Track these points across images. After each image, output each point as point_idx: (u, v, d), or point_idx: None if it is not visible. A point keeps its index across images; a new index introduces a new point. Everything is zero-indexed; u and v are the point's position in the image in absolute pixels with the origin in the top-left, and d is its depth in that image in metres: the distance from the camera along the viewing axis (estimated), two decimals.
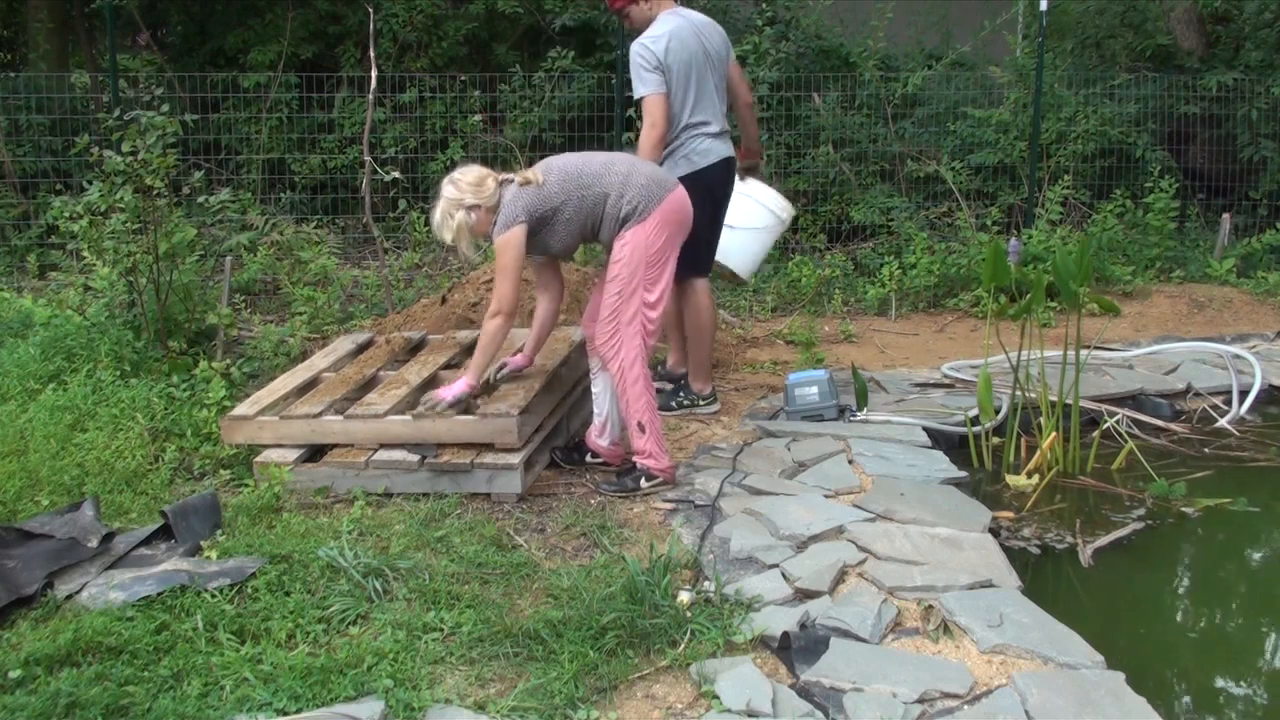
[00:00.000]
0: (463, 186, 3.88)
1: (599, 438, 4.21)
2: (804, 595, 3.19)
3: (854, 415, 4.77)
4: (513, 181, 3.93)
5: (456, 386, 4.04)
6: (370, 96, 6.72)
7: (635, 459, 4.05)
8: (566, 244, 4.02)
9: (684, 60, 4.55)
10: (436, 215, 3.93)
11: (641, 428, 3.98)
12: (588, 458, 4.26)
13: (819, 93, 8.21)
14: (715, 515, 3.80)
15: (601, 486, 4.05)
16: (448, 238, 3.91)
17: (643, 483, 4.01)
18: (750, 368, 5.69)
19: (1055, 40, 9.01)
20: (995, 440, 4.58)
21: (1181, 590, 3.78)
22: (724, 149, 4.73)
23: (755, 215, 5.25)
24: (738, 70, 4.96)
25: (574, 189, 3.91)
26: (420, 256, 7.29)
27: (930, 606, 3.11)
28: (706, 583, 3.27)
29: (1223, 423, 4.97)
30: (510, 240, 3.85)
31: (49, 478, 3.95)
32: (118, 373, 4.81)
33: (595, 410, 4.20)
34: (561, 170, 3.96)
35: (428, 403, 4.05)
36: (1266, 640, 3.41)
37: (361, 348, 5.02)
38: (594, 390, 4.20)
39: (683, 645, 2.94)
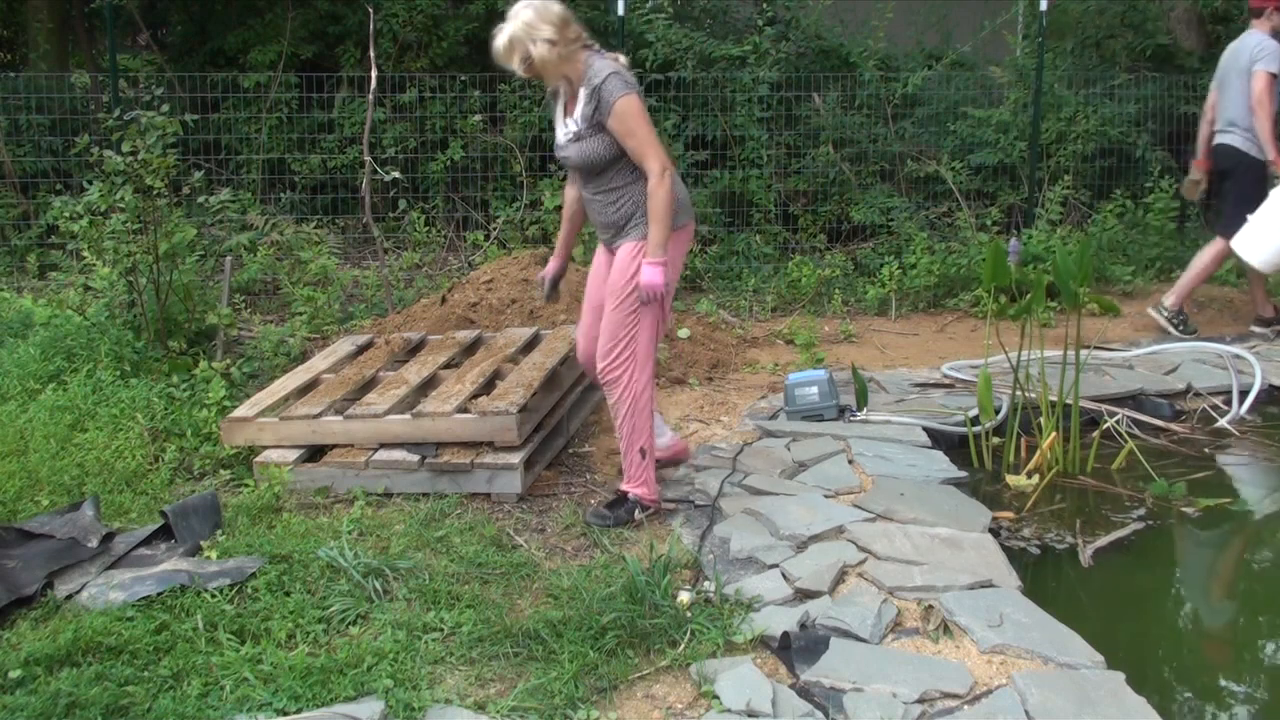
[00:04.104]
0: (548, 16, 3.52)
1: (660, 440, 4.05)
2: (804, 595, 3.19)
3: (854, 415, 4.78)
4: (597, 51, 3.64)
5: (653, 273, 3.57)
6: (370, 96, 6.72)
7: (627, 487, 3.81)
8: (602, 152, 3.61)
9: (1218, 68, 6.48)
10: (502, 40, 3.56)
11: (643, 453, 3.76)
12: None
13: (819, 93, 8.20)
14: (715, 515, 3.80)
15: (588, 518, 3.77)
16: (518, 68, 3.57)
17: (636, 514, 3.77)
18: (750, 368, 5.69)
19: (1055, 40, 9.00)
20: (995, 440, 4.58)
21: (1181, 590, 3.78)
22: (1220, 139, 6.38)
23: (1269, 217, 5.89)
24: (1258, 81, 6.12)
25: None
26: (420, 256, 7.29)
27: (930, 606, 3.12)
28: (706, 583, 3.27)
29: (1223, 423, 4.98)
30: (635, 105, 3.52)
31: (49, 478, 3.95)
32: (118, 373, 4.81)
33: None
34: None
35: (644, 295, 3.61)
36: (1266, 640, 3.41)
37: (361, 349, 5.03)
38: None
39: (683, 645, 2.94)
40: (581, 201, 3.88)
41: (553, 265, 4.12)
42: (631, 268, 3.63)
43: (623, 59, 3.69)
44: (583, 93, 3.60)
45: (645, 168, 3.57)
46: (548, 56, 3.53)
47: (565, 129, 3.70)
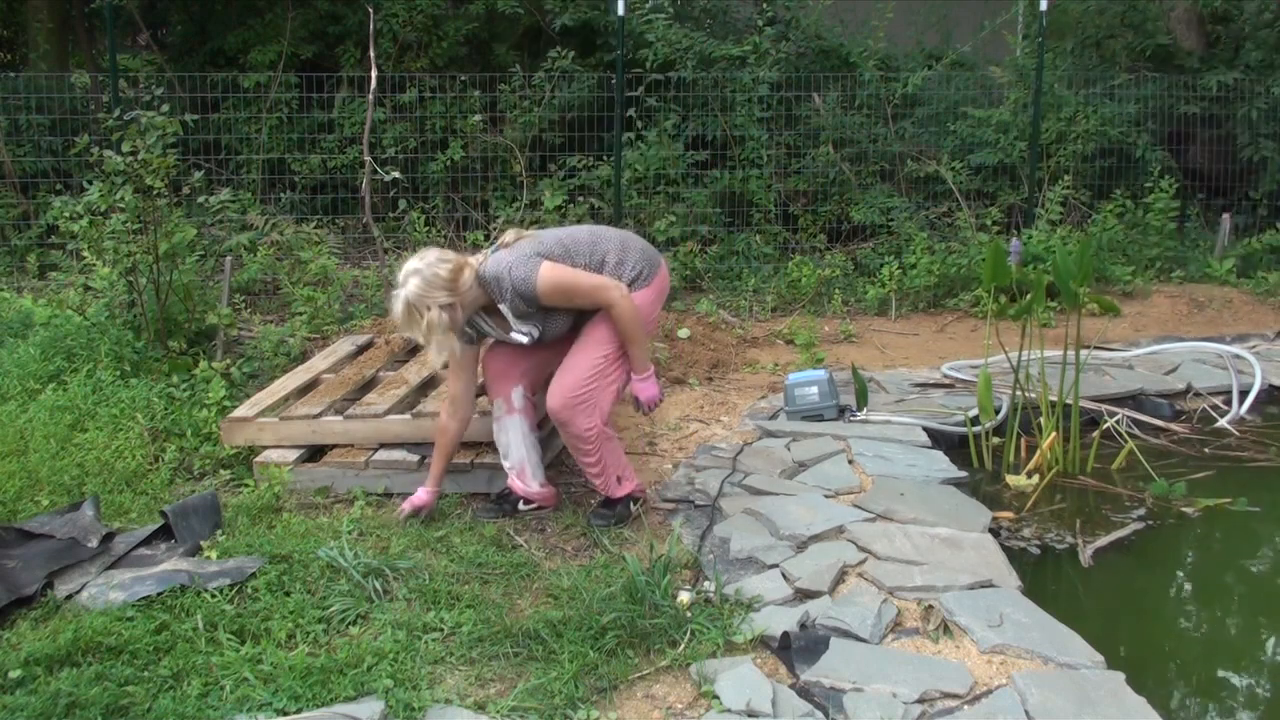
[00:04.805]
0: (436, 283, 3.41)
1: (527, 483, 3.82)
2: (804, 595, 3.19)
3: (854, 415, 4.78)
4: (489, 253, 3.61)
5: (648, 387, 3.70)
6: (370, 96, 6.72)
7: (615, 496, 3.80)
8: (565, 319, 3.67)
9: None
10: (399, 308, 3.43)
11: (619, 480, 3.76)
12: (520, 505, 3.85)
13: (819, 93, 8.21)
14: (715, 515, 3.80)
15: (594, 521, 3.76)
16: (418, 335, 3.47)
17: (633, 507, 3.82)
18: (750, 368, 5.69)
19: (1055, 40, 9.01)
20: (995, 440, 4.58)
21: (1181, 590, 3.78)
22: None
23: None
24: None
25: (573, 247, 3.61)
26: None
27: (930, 606, 3.11)
28: (706, 583, 3.27)
29: (1223, 423, 4.97)
30: (551, 273, 3.48)
31: (49, 478, 3.95)
32: (118, 373, 4.81)
33: (510, 460, 3.80)
34: (550, 236, 3.66)
35: (645, 408, 3.75)
36: (1266, 640, 3.41)
37: (361, 349, 5.03)
38: (501, 438, 3.80)
39: (683, 645, 2.94)
40: (460, 434, 3.78)
41: (427, 497, 3.76)
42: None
43: (508, 235, 3.63)
44: (505, 308, 3.57)
45: (605, 306, 3.56)
46: (449, 320, 3.44)
47: (519, 338, 3.64)
